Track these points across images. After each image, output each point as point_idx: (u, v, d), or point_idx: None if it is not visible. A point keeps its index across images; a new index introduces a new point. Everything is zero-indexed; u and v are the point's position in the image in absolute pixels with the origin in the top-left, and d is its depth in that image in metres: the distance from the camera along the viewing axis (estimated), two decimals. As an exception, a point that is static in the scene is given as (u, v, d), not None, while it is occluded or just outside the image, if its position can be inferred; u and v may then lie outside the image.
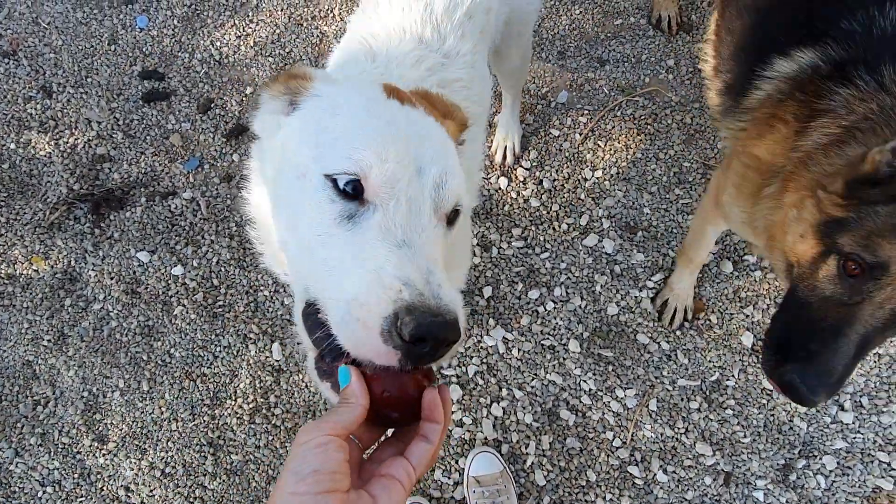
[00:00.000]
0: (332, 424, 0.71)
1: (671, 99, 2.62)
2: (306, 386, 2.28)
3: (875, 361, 2.26)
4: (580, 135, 2.57)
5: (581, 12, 2.78)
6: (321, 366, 0.82)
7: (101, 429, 2.24)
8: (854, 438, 2.18)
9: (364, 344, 0.74)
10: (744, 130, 1.64)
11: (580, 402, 2.25)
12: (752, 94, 1.59)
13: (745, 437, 2.19)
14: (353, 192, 0.81)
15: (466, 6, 1.45)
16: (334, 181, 0.82)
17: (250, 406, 2.25)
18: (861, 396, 2.23)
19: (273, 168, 0.96)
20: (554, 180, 2.51)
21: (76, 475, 2.19)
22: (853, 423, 2.20)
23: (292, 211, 0.88)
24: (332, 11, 2.78)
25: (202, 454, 2.20)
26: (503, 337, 2.32)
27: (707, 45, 1.92)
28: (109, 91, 2.66)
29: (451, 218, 0.88)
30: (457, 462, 2.19)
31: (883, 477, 2.14)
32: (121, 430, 2.23)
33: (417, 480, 0.76)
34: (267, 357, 2.31)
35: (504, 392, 2.27)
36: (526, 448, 2.20)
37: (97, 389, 2.28)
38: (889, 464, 2.15)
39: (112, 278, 2.40)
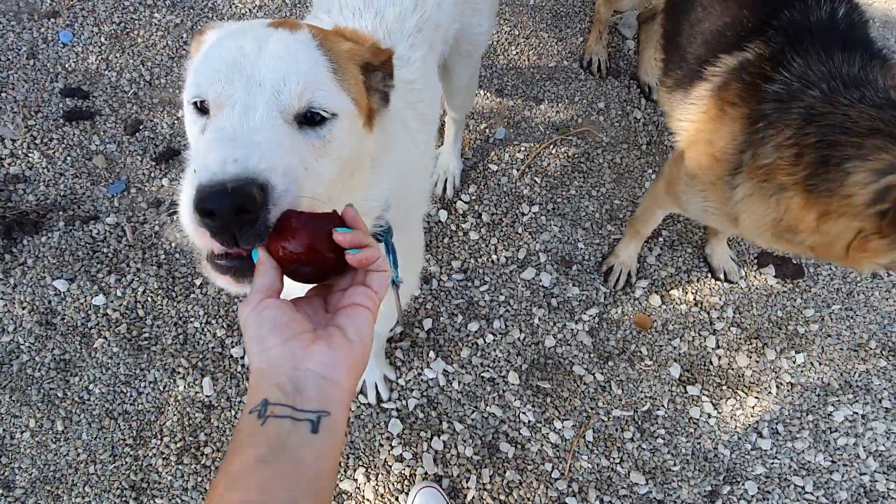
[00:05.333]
0: (256, 292, 0.78)
1: (602, 139, 2.74)
2: (239, 422, 2.17)
3: (788, 391, 2.42)
4: (517, 171, 2.64)
5: (517, 53, 2.88)
6: (216, 262, 0.87)
7: (7, 474, 2.04)
8: (772, 464, 2.32)
9: (189, 231, 0.82)
10: (694, 123, 1.79)
11: (519, 434, 2.27)
12: (700, 86, 1.75)
13: (674, 465, 2.28)
14: (205, 108, 0.91)
15: (415, 20, 1.51)
16: (194, 104, 0.93)
17: (178, 445, 2.12)
18: (777, 424, 2.37)
19: None
20: (492, 214, 2.56)
21: (-25, 526, 1.99)
22: (771, 449, 2.34)
23: (189, 137, 0.99)
24: (270, 38, 2.74)
25: (123, 499, 2.05)
26: (444, 369, 2.32)
27: (656, 52, 2.09)
28: (26, 108, 2.49)
29: (315, 120, 0.92)
30: (397, 499, 2.14)
31: (798, 501, 2.27)
32: (30, 474, 2.04)
33: (379, 302, 0.84)
34: (197, 392, 2.19)
35: (445, 425, 2.25)
36: (467, 482, 2.19)
37: (3, 430, 2.08)
38: (803, 487, 2.29)
39: (24, 308, 2.21)
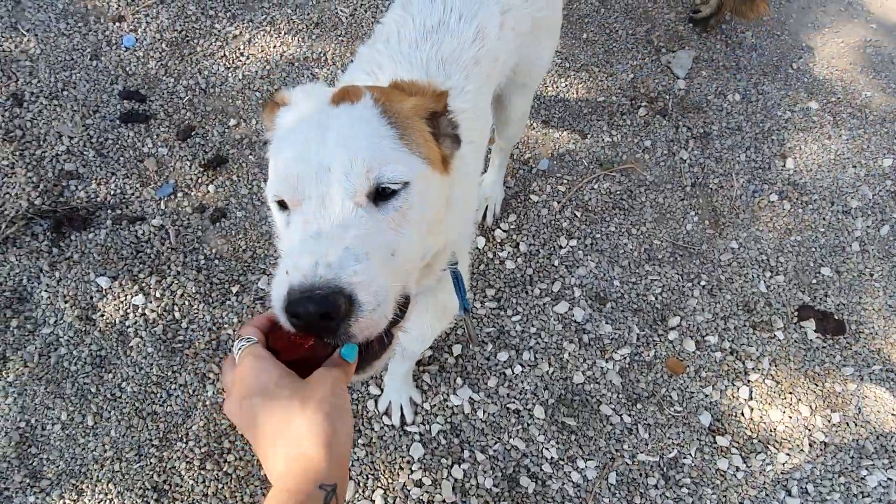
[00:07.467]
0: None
1: (646, 178, 2.72)
2: (263, 433, 2.19)
3: (821, 450, 2.35)
4: (558, 203, 2.64)
5: (566, 85, 2.88)
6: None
7: (35, 464, 2.08)
8: (800, 525, 2.25)
9: (281, 321, 0.88)
10: None
11: (541, 469, 2.24)
12: None
13: (698, 516, 2.22)
14: (285, 204, 0.98)
15: (473, 52, 1.52)
16: (276, 201, 1.00)
17: (202, 450, 2.14)
18: (807, 483, 2.30)
19: None
20: (530, 245, 2.56)
21: (1, 513, 2.03)
22: (799, 509, 2.27)
23: (275, 223, 1.08)
24: (324, 55, 2.80)
25: (144, 499, 2.07)
26: (469, 397, 2.31)
27: None
28: (86, 107, 2.57)
29: (388, 193, 0.95)
30: (413, 524, 2.13)
31: (825, 565, 2.20)
32: (58, 466, 2.08)
33: None
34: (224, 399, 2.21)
35: (466, 454, 2.24)
36: (484, 514, 2.17)
37: (36, 420, 2.13)
38: (831, 552, 2.21)
39: (66, 302, 2.27)
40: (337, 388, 0.79)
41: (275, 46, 2.79)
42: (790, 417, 2.38)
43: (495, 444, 2.26)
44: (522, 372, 2.36)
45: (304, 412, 0.75)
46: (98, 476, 2.08)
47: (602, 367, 2.39)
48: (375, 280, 0.87)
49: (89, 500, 2.05)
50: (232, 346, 0.88)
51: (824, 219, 2.74)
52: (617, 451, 2.28)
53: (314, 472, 0.72)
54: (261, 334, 0.89)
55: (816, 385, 2.44)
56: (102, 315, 2.28)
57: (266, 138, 1.13)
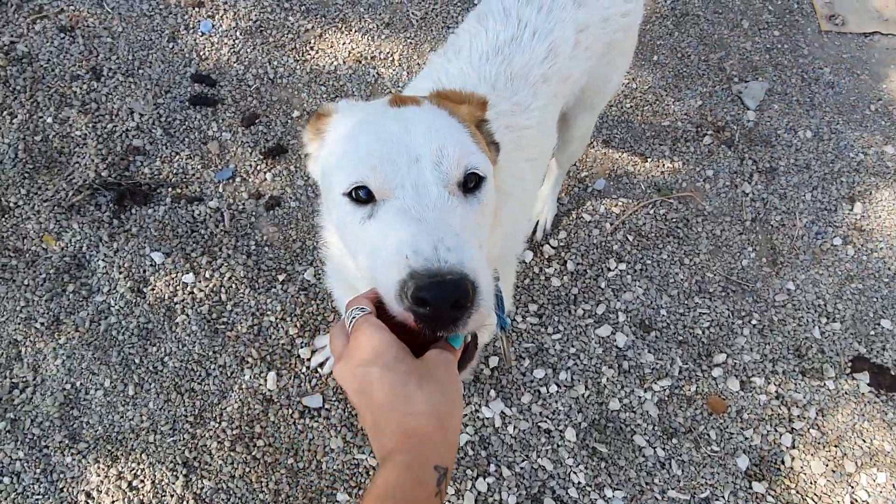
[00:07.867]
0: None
1: (704, 208, 2.65)
2: (294, 422, 2.21)
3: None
4: (611, 225, 2.59)
5: (631, 107, 2.84)
6: None
7: (75, 426, 2.15)
8: (833, 585, 2.15)
9: (392, 309, 0.82)
10: None
11: (567, 493, 2.20)
12: None
13: (725, 562, 2.15)
14: (367, 196, 0.93)
15: (543, 70, 1.50)
16: (349, 195, 0.94)
17: (234, 432, 2.18)
18: (845, 542, 2.20)
19: (323, 199, 1.10)
20: (578, 264, 2.52)
21: (38, 470, 2.09)
22: (834, 568, 2.17)
23: (340, 228, 1.02)
24: (392, 55, 2.82)
25: (174, 473, 2.12)
26: (501, 411, 2.28)
27: None
28: (158, 86, 2.65)
29: (471, 185, 0.94)
30: (432, 532, 2.11)
31: None
32: (96, 431, 2.14)
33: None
34: (260, 385, 2.24)
35: (492, 468, 2.21)
36: (505, 531, 2.14)
37: (81, 384, 2.20)
38: None
39: (121, 273, 2.34)
40: (452, 371, 0.78)
41: (344, 43, 2.83)
42: (833, 471, 2.28)
43: (523, 461, 2.23)
44: (558, 392, 2.33)
45: (421, 389, 0.74)
46: (133, 445, 2.14)
47: (640, 397, 2.33)
48: (481, 263, 0.84)
49: (122, 467, 2.10)
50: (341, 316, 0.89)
51: (889, 269, 2.63)
52: (647, 484, 2.22)
53: (431, 451, 0.71)
54: (372, 307, 0.85)
55: (864, 441, 2.33)
56: (153, 289, 2.34)
57: (307, 150, 1.16)
